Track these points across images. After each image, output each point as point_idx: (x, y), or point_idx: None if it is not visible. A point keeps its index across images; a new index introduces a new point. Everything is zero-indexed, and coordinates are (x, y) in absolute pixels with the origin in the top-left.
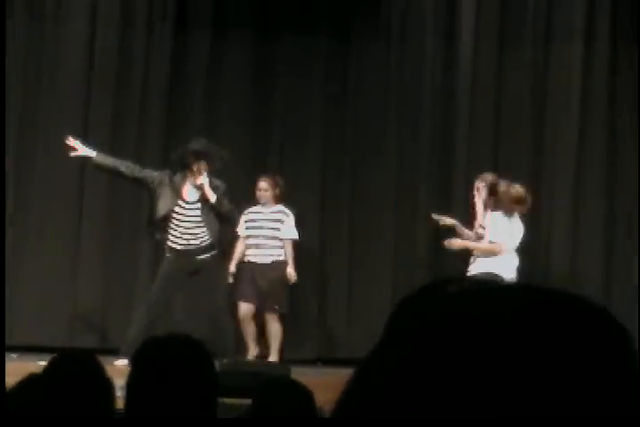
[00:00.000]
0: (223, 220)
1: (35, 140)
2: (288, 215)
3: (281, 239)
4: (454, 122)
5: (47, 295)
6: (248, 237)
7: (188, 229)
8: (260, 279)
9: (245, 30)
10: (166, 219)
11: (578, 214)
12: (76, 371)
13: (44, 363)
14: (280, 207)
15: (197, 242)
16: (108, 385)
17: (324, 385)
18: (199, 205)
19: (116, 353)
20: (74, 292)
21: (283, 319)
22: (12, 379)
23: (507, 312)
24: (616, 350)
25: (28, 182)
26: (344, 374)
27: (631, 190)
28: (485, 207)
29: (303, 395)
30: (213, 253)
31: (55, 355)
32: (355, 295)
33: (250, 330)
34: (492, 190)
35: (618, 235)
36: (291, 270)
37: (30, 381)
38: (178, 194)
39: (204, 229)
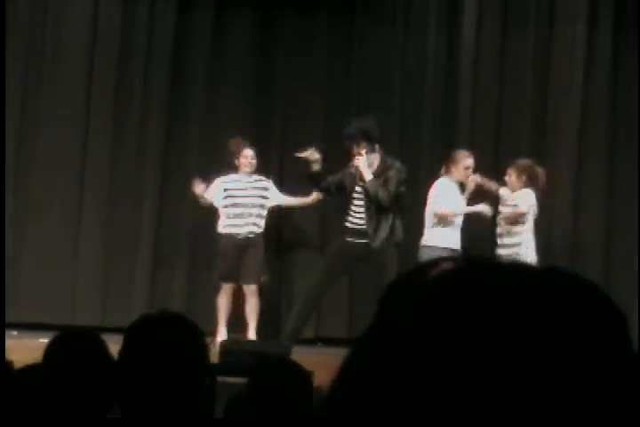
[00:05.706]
0: (378, 205)
1: (37, 115)
2: (269, 182)
3: (265, 208)
4: (457, 104)
5: (48, 272)
6: (227, 206)
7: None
8: (241, 252)
9: (248, 8)
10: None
11: (579, 200)
12: (78, 349)
13: (45, 340)
14: (259, 176)
15: (368, 227)
16: (110, 363)
17: (324, 365)
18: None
19: (117, 331)
20: (75, 269)
21: (261, 295)
22: (12, 356)
23: (498, 294)
24: (613, 335)
25: (32, 156)
26: (344, 354)
27: (634, 173)
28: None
29: (300, 374)
30: (383, 240)
31: (58, 333)
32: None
33: (226, 309)
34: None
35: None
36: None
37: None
38: (357, 178)
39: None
